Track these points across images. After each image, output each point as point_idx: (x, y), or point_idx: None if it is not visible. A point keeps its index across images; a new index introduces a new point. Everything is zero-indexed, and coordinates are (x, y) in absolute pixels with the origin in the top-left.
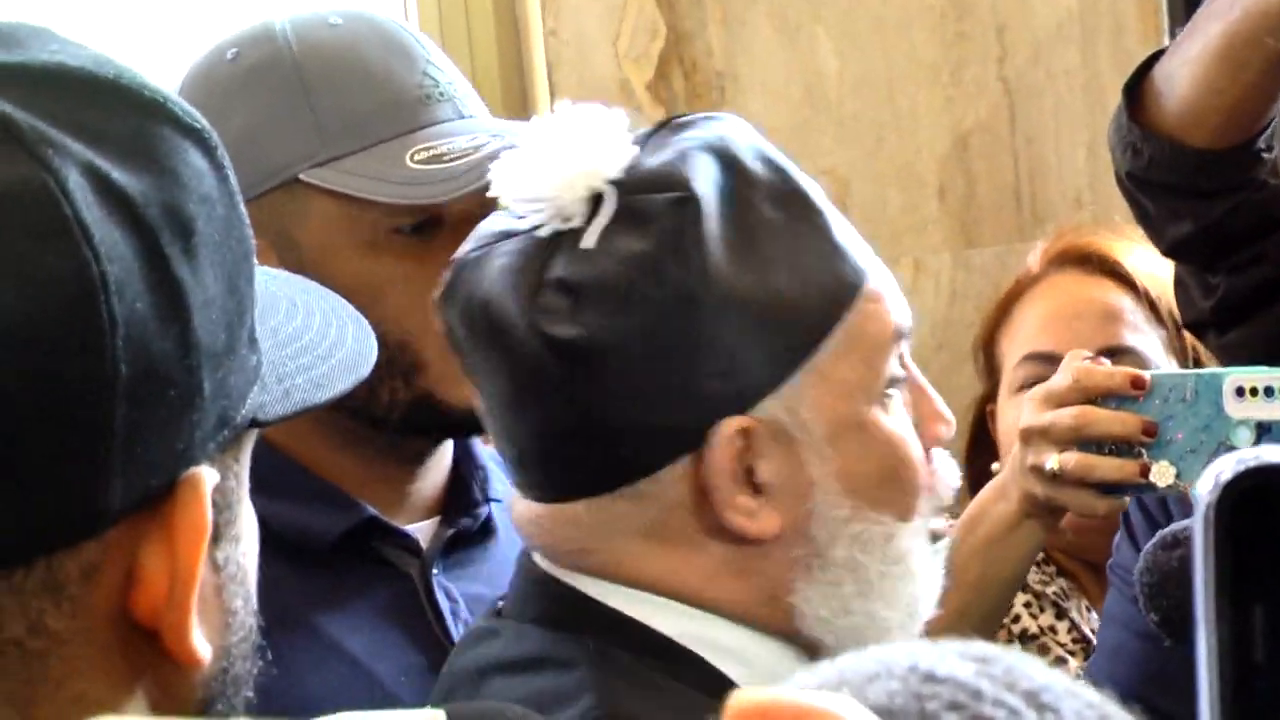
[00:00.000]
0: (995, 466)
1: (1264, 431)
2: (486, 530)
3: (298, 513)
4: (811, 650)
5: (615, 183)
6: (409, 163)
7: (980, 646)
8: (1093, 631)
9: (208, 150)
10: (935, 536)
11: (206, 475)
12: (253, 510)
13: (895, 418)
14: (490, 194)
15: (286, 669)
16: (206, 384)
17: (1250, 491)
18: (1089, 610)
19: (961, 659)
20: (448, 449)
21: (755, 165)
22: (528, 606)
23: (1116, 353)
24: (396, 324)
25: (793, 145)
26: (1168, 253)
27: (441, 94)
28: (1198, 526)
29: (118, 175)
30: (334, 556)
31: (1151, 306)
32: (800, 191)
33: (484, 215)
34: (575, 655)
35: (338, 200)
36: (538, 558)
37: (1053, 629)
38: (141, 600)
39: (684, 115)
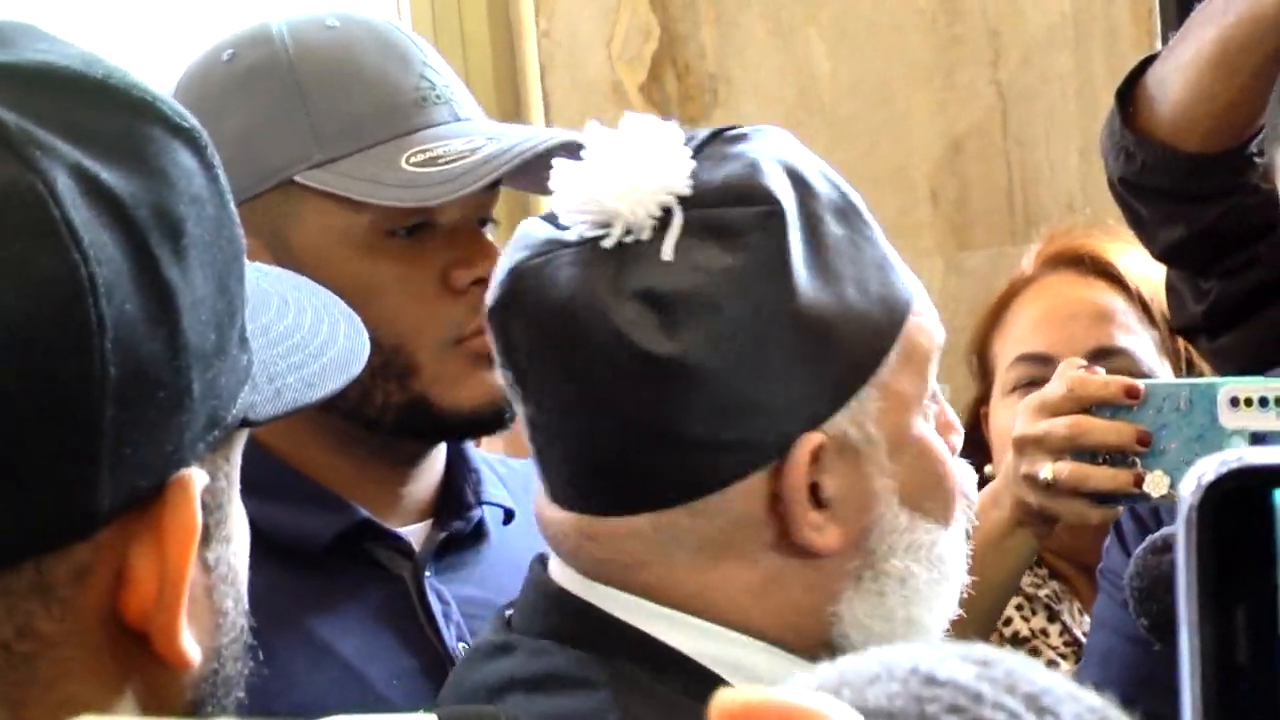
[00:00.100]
0: (989, 470)
1: (1258, 442)
2: (479, 533)
3: (290, 515)
4: None
5: (683, 196)
6: (404, 165)
7: (981, 650)
8: (1084, 635)
9: (197, 150)
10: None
11: (196, 476)
12: (244, 510)
13: (932, 427)
14: (552, 205)
15: (278, 671)
16: (196, 385)
17: (1233, 493)
18: (1081, 614)
19: (962, 662)
20: (441, 452)
21: (818, 180)
22: (542, 621)
23: (1109, 354)
24: (390, 327)
25: None
26: (1160, 257)
27: (438, 97)
28: (1181, 528)
29: (107, 176)
30: (326, 559)
31: (1144, 308)
32: (856, 206)
33: (479, 219)
34: (598, 675)
35: (333, 202)
36: (555, 570)
37: (1044, 632)
38: (131, 602)
39: (733, 127)
